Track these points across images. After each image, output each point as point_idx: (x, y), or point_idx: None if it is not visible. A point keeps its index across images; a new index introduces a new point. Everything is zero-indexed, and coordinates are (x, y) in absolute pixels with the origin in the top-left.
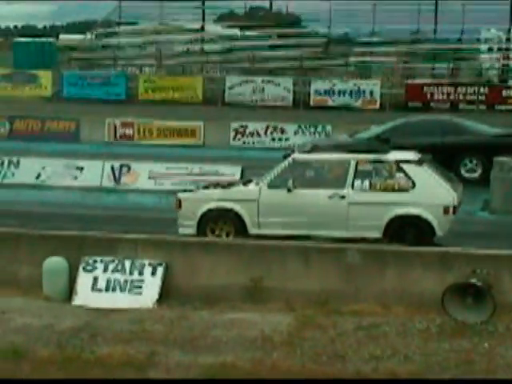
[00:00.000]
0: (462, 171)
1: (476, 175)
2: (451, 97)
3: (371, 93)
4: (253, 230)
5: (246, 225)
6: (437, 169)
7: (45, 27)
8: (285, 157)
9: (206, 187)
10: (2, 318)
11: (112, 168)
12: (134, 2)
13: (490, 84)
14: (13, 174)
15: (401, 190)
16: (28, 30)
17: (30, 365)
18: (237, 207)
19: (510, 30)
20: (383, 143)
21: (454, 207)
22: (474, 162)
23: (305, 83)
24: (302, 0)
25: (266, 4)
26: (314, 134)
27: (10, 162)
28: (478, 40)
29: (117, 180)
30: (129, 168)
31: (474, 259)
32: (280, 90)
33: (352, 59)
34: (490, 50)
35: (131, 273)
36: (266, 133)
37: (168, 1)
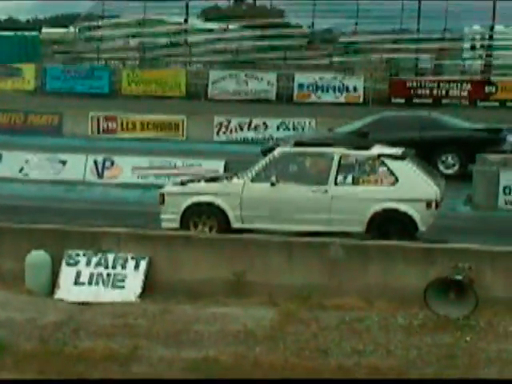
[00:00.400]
0: (440, 166)
1: (453, 170)
2: (434, 92)
3: (355, 88)
4: (236, 224)
5: (229, 219)
6: (419, 164)
7: (28, 21)
8: (262, 151)
9: (190, 181)
10: None
11: (95, 162)
12: None
13: (473, 80)
14: None
15: (384, 184)
16: (11, 24)
17: (13, 359)
18: (220, 201)
19: (492, 26)
20: (362, 138)
21: (437, 202)
22: (452, 157)
23: (288, 78)
24: None
25: None
26: (297, 128)
27: None
28: (461, 37)
29: (100, 174)
30: (112, 162)
31: (457, 254)
32: (263, 84)
33: (335, 54)
34: (473, 46)
35: (114, 267)
36: (249, 127)
37: None
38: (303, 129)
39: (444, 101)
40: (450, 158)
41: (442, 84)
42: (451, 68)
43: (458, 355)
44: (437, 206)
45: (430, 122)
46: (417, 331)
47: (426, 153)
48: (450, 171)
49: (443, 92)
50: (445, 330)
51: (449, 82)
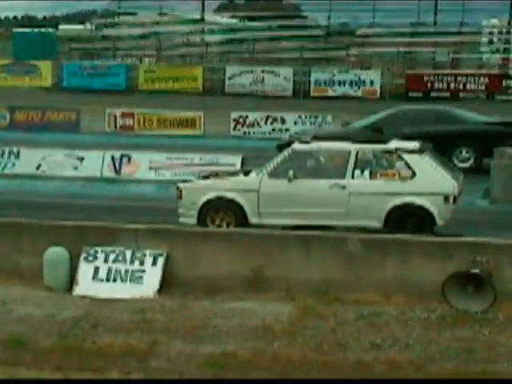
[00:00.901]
0: (455, 160)
1: (468, 164)
2: (451, 86)
3: (371, 82)
4: (253, 220)
5: (247, 215)
6: (437, 158)
7: (44, 18)
8: (278, 146)
9: (207, 177)
10: (3, 309)
11: (112, 158)
12: None
13: (491, 73)
14: (13, 165)
15: (401, 179)
16: (28, 21)
17: (32, 355)
18: (237, 197)
19: (510, 21)
20: (377, 132)
21: (455, 196)
22: (467, 150)
23: (305, 73)
24: None
25: None
26: (314, 123)
27: (10, 153)
28: (479, 31)
29: (117, 170)
30: (129, 158)
31: (475, 248)
32: (280, 80)
33: (352, 49)
34: (491, 40)
35: (132, 263)
36: (266, 123)
37: None
38: (320, 124)
39: (461, 94)
40: (464, 152)
41: (459, 78)
42: (469, 62)
43: (476, 349)
44: (455, 200)
45: (444, 116)
46: (435, 325)
47: (440, 147)
48: (464, 165)
49: (460, 86)
50: (463, 324)
51: (466, 75)
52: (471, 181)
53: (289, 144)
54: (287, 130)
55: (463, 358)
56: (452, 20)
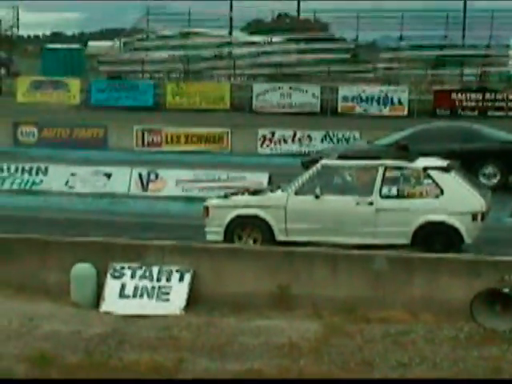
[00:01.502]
0: (481, 178)
1: (494, 182)
2: (479, 104)
3: (399, 100)
4: (280, 237)
5: (274, 231)
6: (465, 175)
7: (73, 35)
8: (303, 163)
9: (234, 194)
10: (29, 325)
11: (140, 175)
12: (161, 9)
13: None
14: (41, 181)
15: (429, 196)
16: (57, 38)
17: (58, 371)
18: (264, 214)
19: None
20: (402, 150)
21: (483, 214)
22: (493, 168)
23: (332, 90)
24: (329, 8)
25: (294, 12)
26: (342, 141)
27: (38, 169)
28: (507, 46)
29: (144, 187)
30: (156, 175)
31: (503, 266)
32: (308, 96)
33: (380, 66)
34: None
35: (159, 279)
36: (293, 140)
37: (195, 9)
38: (347, 141)
39: (489, 112)
40: (490, 170)
41: (487, 95)
42: (496, 79)
43: (504, 368)
44: (483, 217)
45: (470, 134)
46: (463, 344)
47: (466, 164)
48: (490, 182)
49: (489, 103)
50: (491, 342)
51: (494, 93)
52: (498, 199)
53: (314, 161)
54: (314, 147)
55: (491, 377)
56: (480, 35)
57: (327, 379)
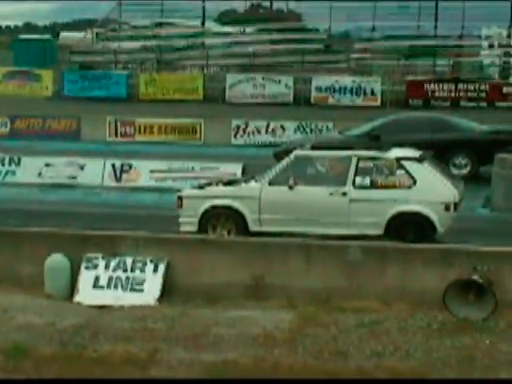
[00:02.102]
0: (452, 168)
1: (465, 172)
2: (452, 94)
3: (372, 90)
4: (254, 228)
5: (247, 222)
6: (437, 166)
7: (45, 26)
8: (275, 154)
9: (208, 185)
10: (4, 316)
11: (113, 166)
12: (133, 0)
13: (491, 81)
14: (14, 173)
15: (402, 187)
16: (28, 29)
17: (33, 363)
18: (238, 205)
19: (510, 27)
20: (374, 140)
21: (455, 204)
22: (464, 158)
23: (306, 81)
24: None
25: (267, 3)
26: (315, 131)
27: (11, 161)
28: (479, 37)
29: (118, 178)
30: (130, 166)
31: (475, 256)
32: (281, 87)
33: (353, 56)
34: (491, 46)
35: (133, 270)
36: (266, 130)
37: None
38: (321, 131)
39: (462, 102)
40: (461, 160)
41: (459, 85)
42: (469, 69)
43: (477, 357)
44: (455, 207)
45: (441, 124)
46: (436, 333)
47: (437, 154)
48: (461, 173)
49: (461, 93)
50: (464, 332)
51: (467, 83)
52: (470, 189)
53: (286, 152)
54: (288, 137)
55: (464, 366)
56: (452, 26)
57: (328, 379)
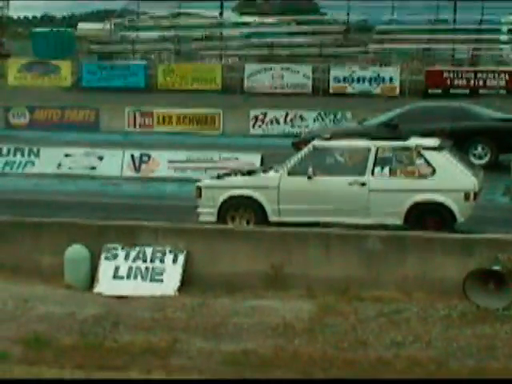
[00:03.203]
0: (471, 157)
1: (484, 161)
2: (471, 83)
3: (391, 79)
4: (273, 218)
5: (267, 212)
6: (457, 155)
7: (63, 17)
8: (294, 144)
9: (227, 175)
10: (24, 307)
11: (132, 157)
12: None
13: (510, 70)
14: (33, 164)
15: (421, 176)
16: (47, 20)
17: (53, 353)
18: (257, 195)
19: None
20: (392, 129)
21: (475, 193)
22: (483, 147)
23: (324, 70)
24: None
25: None
26: (334, 121)
27: (30, 152)
28: (498, 27)
29: (137, 168)
30: (149, 157)
31: (496, 245)
32: (299, 77)
33: (371, 46)
34: (510, 36)
35: (152, 260)
36: (285, 120)
37: None
38: (339, 121)
39: (481, 91)
40: (480, 149)
41: (478, 74)
42: (488, 58)
43: (497, 346)
44: (475, 196)
45: (460, 113)
46: (456, 322)
47: (456, 143)
48: (480, 162)
49: (480, 82)
50: (484, 321)
51: (486, 72)
52: (489, 177)
53: (305, 142)
54: (306, 127)
55: (484, 355)
56: (471, 17)
57: (329, 379)
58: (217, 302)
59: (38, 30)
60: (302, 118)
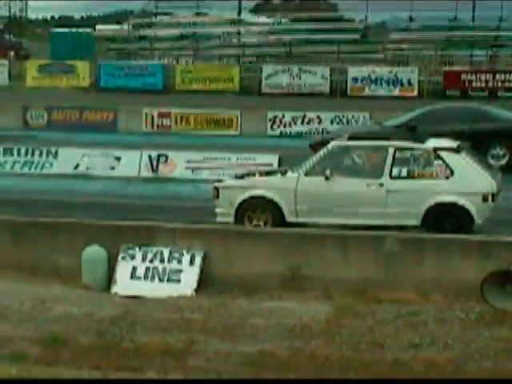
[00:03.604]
0: (489, 158)
1: (503, 162)
2: (489, 84)
3: (409, 81)
4: (290, 218)
5: (284, 213)
6: (475, 156)
7: (82, 18)
8: (311, 145)
9: (244, 176)
10: (42, 307)
11: (150, 158)
12: None
13: None
14: (51, 165)
15: (439, 177)
16: (65, 21)
17: (70, 353)
18: (274, 195)
19: None
20: (411, 131)
21: (493, 195)
22: (501, 149)
23: (342, 71)
24: None
25: None
26: (351, 122)
27: (48, 152)
28: None
29: (155, 169)
30: (166, 158)
31: None
32: (317, 78)
33: (389, 47)
34: None
35: (170, 261)
36: (302, 121)
37: None
38: (357, 122)
39: (500, 92)
40: (499, 150)
41: (497, 75)
42: (507, 59)
43: None
44: (493, 198)
45: (478, 114)
46: (474, 325)
47: (474, 145)
48: (499, 163)
49: (499, 83)
50: (502, 323)
51: (504, 73)
52: (508, 179)
53: (322, 143)
54: (324, 129)
55: (502, 358)
56: (490, 14)
57: (329, 379)
58: (234, 303)
59: (57, 30)
60: (319, 119)
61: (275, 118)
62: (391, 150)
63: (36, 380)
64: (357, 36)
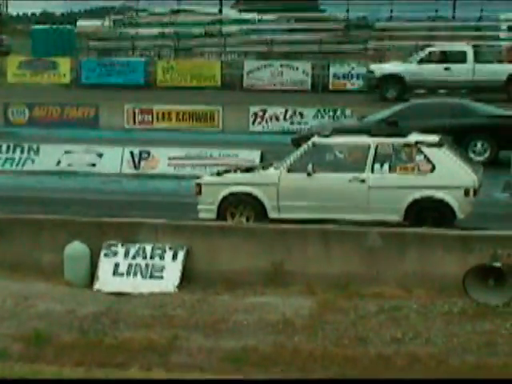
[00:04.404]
0: (470, 153)
1: (484, 157)
2: None
3: None
4: (273, 214)
5: (266, 209)
6: (457, 151)
7: (62, 14)
8: (293, 141)
9: (226, 171)
10: (24, 304)
11: (131, 154)
12: None
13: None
14: (33, 161)
15: (421, 172)
16: (46, 18)
17: (53, 350)
18: (257, 191)
19: None
20: (391, 126)
21: (475, 190)
22: (482, 144)
23: (323, 67)
24: None
25: None
26: (333, 117)
27: (29, 149)
28: (497, 24)
29: (136, 165)
30: (148, 154)
31: (495, 241)
32: (299, 73)
33: (371, 43)
34: (510, 29)
35: (152, 257)
36: (284, 117)
37: None
38: (339, 118)
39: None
40: (480, 145)
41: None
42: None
43: (498, 343)
44: (475, 193)
45: (459, 109)
46: (456, 319)
47: (455, 140)
48: (480, 158)
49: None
50: (484, 317)
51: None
52: (489, 174)
53: (304, 138)
54: (306, 124)
55: (484, 352)
56: (470, 13)
57: (329, 379)
58: (217, 298)
59: (38, 27)
60: (301, 114)
61: (257, 113)
62: (373, 146)
63: (20, 380)
64: (338, 32)
